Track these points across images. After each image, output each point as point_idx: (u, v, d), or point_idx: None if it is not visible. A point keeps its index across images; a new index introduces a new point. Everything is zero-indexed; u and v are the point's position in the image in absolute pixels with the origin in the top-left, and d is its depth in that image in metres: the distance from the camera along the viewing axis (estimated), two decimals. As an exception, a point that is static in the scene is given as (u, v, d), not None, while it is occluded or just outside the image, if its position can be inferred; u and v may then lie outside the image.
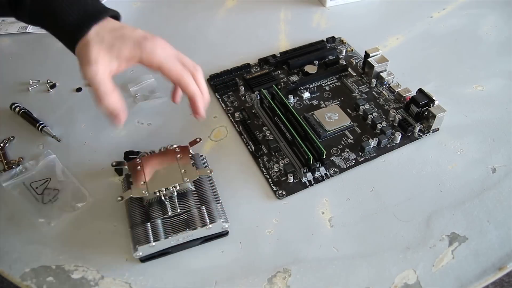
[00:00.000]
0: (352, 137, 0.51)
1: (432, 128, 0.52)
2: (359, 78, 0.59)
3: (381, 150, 0.50)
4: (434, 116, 0.50)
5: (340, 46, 0.64)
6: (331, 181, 0.48)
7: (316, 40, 0.64)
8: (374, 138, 0.50)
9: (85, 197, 0.46)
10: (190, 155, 0.44)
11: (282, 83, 0.59)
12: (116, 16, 0.42)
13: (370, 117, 0.53)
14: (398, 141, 0.50)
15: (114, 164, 0.44)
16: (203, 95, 0.44)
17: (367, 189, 0.47)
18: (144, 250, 0.39)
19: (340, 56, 0.63)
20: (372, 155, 0.49)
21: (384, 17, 0.72)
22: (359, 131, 0.52)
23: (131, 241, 0.40)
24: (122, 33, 0.40)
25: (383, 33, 0.68)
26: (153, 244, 0.39)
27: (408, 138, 0.51)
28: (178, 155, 0.43)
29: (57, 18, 0.38)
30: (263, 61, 0.62)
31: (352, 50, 0.64)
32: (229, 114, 0.55)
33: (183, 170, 0.42)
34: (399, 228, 0.43)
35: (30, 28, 0.70)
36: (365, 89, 0.58)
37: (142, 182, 0.41)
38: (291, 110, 0.50)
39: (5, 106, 0.57)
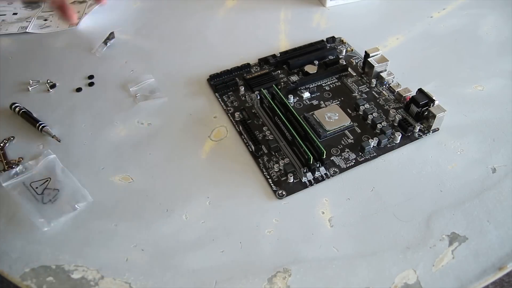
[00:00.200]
0: (352, 137, 0.51)
1: (432, 128, 0.52)
2: (359, 78, 0.59)
3: (381, 150, 0.50)
4: (434, 116, 0.50)
5: (340, 46, 0.64)
6: (331, 181, 0.48)
7: (316, 40, 0.64)
8: (374, 138, 0.50)
9: (85, 197, 0.46)
10: None
11: (282, 83, 0.59)
12: None
13: (370, 117, 0.53)
14: (398, 141, 0.50)
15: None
16: None
17: (367, 189, 0.47)
18: None
19: (340, 56, 0.63)
20: (372, 155, 0.49)
21: (384, 17, 0.72)
22: (359, 131, 0.52)
23: None
24: None
25: (383, 33, 0.68)
26: None
27: (408, 138, 0.51)
28: None
29: None
30: (263, 61, 0.62)
31: (352, 50, 0.64)
32: (229, 114, 0.55)
33: None
34: (399, 228, 0.43)
35: (30, 28, 0.70)
36: (365, 89, 0.58)
37: None
38: (291, 110, 0.50)
39: (5, 106, 0.57)
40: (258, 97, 0.55)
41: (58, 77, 0.62)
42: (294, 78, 0.59)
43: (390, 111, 0.53)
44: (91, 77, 0.62)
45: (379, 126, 0.52)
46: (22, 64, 0.65)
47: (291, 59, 0.60)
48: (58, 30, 0.70)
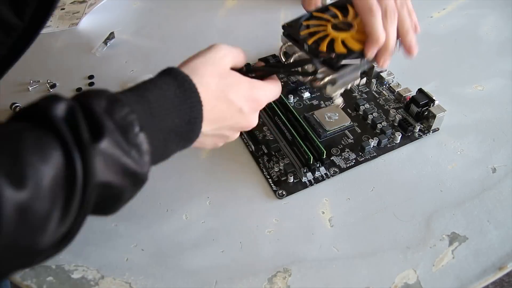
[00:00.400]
0: (352, 137, 0.51)
1: (432, 128, 0.52)
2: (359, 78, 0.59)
3: (381, 150, 0.50)
4: (434, 116, 0.50)
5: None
6: (331, 181, 0.48)
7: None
8: (374, 138, 0.50)
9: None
10: None
11: (282, 83, 0.59)
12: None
13: (370, 117, 0.53)
14: (398, 141, 0.50)
15: None
16: None
17: (367, 189, 0.47)
18: None
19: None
20: (372, 155, 0.49)
21: (384, 17, 0.72)
22: (359, 131, 0.52)
23: None
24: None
25: (383, 33, 0.68)
26: None
27: (408, 138, 0.51)
28: None
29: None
30: (263, 61, 0.62)
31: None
32: (229, 114, 0.55)
33: None
34: (399, 228, 0.43)
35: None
36: (365, 89, 0.58)
37: None
38: (291, 110, 0.50)
39: (5, 106, 0.56)
40: None
41: (58, 77, 0.62)
42: (294, 78, 0.59)
43: (390, 111, 0.53)
44: (91, 77, 0.62)
45: (379, 126, 0.52)
46: (22, 64, 0.65)
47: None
48: (58, 30, 0.70)
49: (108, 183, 0.29)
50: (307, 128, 0.48)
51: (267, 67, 0.43)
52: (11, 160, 0.25)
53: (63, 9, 0.73)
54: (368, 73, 0.59)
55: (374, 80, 0.58)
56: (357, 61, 0.41)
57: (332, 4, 0.46)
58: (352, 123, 0.52)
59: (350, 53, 0.40)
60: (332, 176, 0.48)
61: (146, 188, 0.47)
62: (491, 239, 0.42)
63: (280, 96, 0.51)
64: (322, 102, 0.56)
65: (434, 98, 0.51)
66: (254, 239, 0.43)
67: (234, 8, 0.75)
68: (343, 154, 0.49)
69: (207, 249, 0.42)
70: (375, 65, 0.56)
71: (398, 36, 0.41)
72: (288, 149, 0.49)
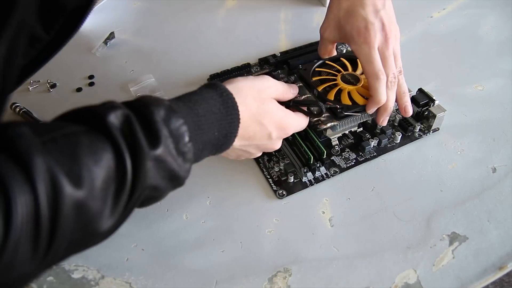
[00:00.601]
0: (352, 137, 0.51)
1: (432, 128, 0.52)
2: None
3: (381, 150, 0.50)
4: (434, 116, 0.50)
5: (341, 46, 0.64)
6: (331, 181, 0.48)
7: (316, 40, 0.64)
8: (375, 138, 0.50)
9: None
10: None
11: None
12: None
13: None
14: (399, 141, 0.50)
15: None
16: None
17: (367, 189, 0.47)
18: None
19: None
20: (372, 155, 0.49)
21: (384, 17, 0.72)
22: (360, 129, 0.52)
23: None
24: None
25: (383, 33, 0.68)
26: None
27: (408, 138, 0.51)
28: None
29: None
30: (263, 61, 0.62)
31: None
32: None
33: None
34: (399, 228, 0.43)
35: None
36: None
37: None
38: None
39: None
40: None
41: (58, 77, 0.62)
42: (294, 78, 0.59)
43: None
44: (91, 77, 0.62)
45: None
46: (22, 64, 0.65)
47: (291, 59, 0.60)
48: (58, 30, 0.70)
49: (155, 186, 0.32)
50: (307, 128, 0.48)
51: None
52: (70, 160, 0.27)
53: (63, 9, 0.73)
54: None
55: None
56: (358, 114, 0.46)
57: (344, 56, 0.53)
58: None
59: (353, 106, 0.46)
60: (332, 176, 0.48)
61: (146, 188, 0.47)
62: (491, 239, 0.42)
63: None
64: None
65: (434, 98, 0.51)
66: (254, 239, 0.43)
67: (234, 8, 0.75)
68: (343, 154, 0.49)
69: (207, 249, 0.42)
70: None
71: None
72: (288, 149, 0.49)
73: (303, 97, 0.49)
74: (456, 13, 0.72)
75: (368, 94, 0.46)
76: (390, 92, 0.45)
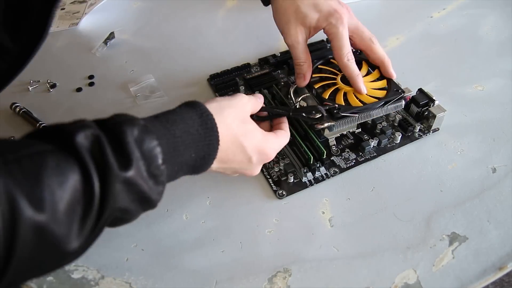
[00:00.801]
0: (352, 137, 0.51)
1: (432, 128, 0.52)
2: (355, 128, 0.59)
3: (381, 150, 0.50)
4: (434, 116, 0.50)
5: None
6: (331, 181, 0.48)
7: (316, 40, 0.64)
8: (374, 138, 0.50)
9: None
10: None
11: (282, 83, 0.59)
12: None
13: None
14: (398, 141, 0.50)
15: None
16: None
17: (367, 189, 0.47)
18: None
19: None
20: (372, 155, 0.49)
21: (384, 17, 0.72)
22: (359, 130, 0.52)
23: None
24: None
25: (383, 33, 0.68)
26: None
27: (408, 138, 0.51)
28: None
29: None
30: (263, 61, 0.62)
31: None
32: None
33: None
34: (399, 228, 0.43)
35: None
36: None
37: None
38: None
39: (5, 106, 0.56)
40: None
41: (58, 77, 0.62)
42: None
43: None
44: (91, 77, 0.62)
45: (379, 126, 0.52)
46: (22, 64, 0.65)
47: (291, 59, 0.60)
48: (58, 30, 0.70)
49: (125, 209, 0.31)
50: (307, 128, 0.48)
51: (278, 110, 0.47)
52: (33, 182, 0.26)
53: (63, 9, 0.73)
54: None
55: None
56: (355, 115, 0.46)
57: None
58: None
59: (351, 107, 0.46)
60: (332, 176, 0.48)
61: (146, 188, 0.47)
62: (491, 239, 0.42)
63: (280, 96, 0.51)
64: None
65: (434, 98, 0.51)
66: (254, 239, 0.43)
67: (234, 8, 0.75)
68: (343, 154, 0.49)
69: (207, 249, 0.42)
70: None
71: None
72: (288, 149, 0.49)
73: (301, 97, 0.49)
74: (456, 13, 0.72)
75: (365, 97, 0.47)
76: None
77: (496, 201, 0.45)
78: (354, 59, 0.47)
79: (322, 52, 0.62)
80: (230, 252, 0.42)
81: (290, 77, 0.59)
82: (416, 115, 0.52)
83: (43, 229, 0.26)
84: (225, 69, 0.60)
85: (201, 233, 0.43)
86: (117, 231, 0.44)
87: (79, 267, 0.41)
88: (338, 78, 0.49)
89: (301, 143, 0.47)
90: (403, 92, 0.48)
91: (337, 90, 0.48)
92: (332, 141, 0.50)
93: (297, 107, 0.48)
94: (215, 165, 0.38)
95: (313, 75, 0.50)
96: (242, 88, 0.58)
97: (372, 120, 0.52)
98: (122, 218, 0.33)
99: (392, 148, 0.50)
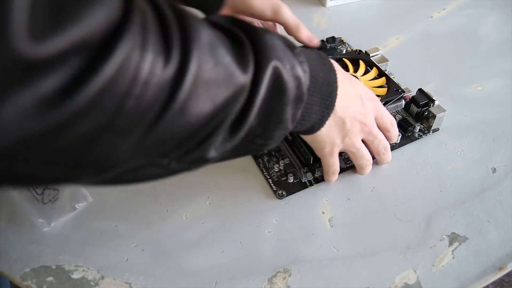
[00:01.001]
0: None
1: (432, 128, 0.52)
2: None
3: (381, 150, 0.50)
4: (434, 116, 0.50)
5: (340, 46, 0.64)
6: (331, 181, 0.48)
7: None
8: None
9: (85, 197, 0.46)
10: None
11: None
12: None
13: None
14: (398, 141, 0.50)
15: None
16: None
17: (367, 189, 0.47)
18: None
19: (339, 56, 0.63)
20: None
21: (384, 17, 0.72)
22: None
23: None
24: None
25: (383, 33, 0.68)
26: None
27: (408, 138, 0.51)
28: None
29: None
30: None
31: (352, 50, 0.64)
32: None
33: None
34: (399, 228, 0.43)
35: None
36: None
37: None
38: None
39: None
40: None
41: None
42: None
43: (390, 111, 0.53)
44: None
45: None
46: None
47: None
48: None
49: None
50: None
51: None
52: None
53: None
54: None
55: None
56: None
57: (346, 56, 0.52)
58: None
59: None
60: (332, 176, 0.48)
61: (146, 188, 0.47)
62: (491, 239, 0.42)
63: None
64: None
65: (434, 98, 0.51)
66: (254, 239, 0.43)
67: (234, 8, 0.75)
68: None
69: (207, 249, 0.42)
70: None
71: None
72: (288, 149, 0.49)
73: None
74: (456, 13, 0.72)
75: None
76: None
77: (496, 201, 0.45)
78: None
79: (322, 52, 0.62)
80: (230, 252, 0.42)
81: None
82: (416, 115, 0.52)
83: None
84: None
85: (201, 233, 0.43)
86: (117, 231, 0.44)
87: (79, 268, 0.41)
88: None
89: (301, 143, 0.47)
90: (403, 92, 0.48)
91: None
92: None
93: None
94: (338, 103, 0.38)
95: None
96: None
97: (372, 120, 0.52)
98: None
99: (392, 148, 0.50)
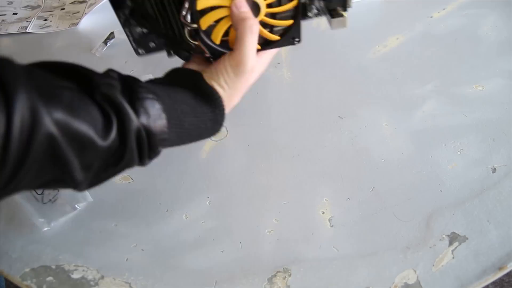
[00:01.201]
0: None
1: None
2: None
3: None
4: None
5: None
6: (331, 181, 0.48)
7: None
8: None
9: (85, 197, 0.46)
10: None
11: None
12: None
13: None
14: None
15: None
16: None
17: (367, 189, 0.47)
18: None
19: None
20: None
21: (384, 17, 0.72)
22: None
23: None
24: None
25: (383, 33, 0.68)
26: None
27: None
28: None
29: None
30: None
31: None
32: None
33: None
34: (399, 228, 0.43)
35: (30, 28, 0.70)
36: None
37: None
38: None
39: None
40: None
41: (58, 77, 0.61)
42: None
43: None
44: (91, 77, 0.61)
45: None
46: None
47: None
48: (58, 30, 0.70)
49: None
50: None
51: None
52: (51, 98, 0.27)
53: (63, 9, 0.73)
54: None
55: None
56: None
57: None
58: None
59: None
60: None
61: (146, 188, 0.47)
62: (491, 239, 0.42)
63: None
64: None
65: None
66: (254, 239, 0.43)
67: (234, 8, 0.75)
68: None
69: (207, 249, 0.42)
70: None
71: None
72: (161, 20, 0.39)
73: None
74: (456, 13, 0.72)
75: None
76: None
77: (496, 201, 0.45)
78: None
79: None
80: (230, 252, 0.42)
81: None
82: None
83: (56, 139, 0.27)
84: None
85: (201, 233, 0.43)
86: (117, 231, 0.44)
87: (79, 267, 0.41)
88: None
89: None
90: (298, 42, 0.41)
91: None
92: None
93: None
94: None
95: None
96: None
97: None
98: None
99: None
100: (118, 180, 0.48)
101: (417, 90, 0.57)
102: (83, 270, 0.41)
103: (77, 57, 0.65)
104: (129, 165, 0.32)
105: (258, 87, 0.58)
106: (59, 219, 0.45)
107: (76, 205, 0.45)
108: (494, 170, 0.48)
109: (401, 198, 0.46)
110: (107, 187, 0.47)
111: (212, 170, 0.49)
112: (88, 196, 0.46)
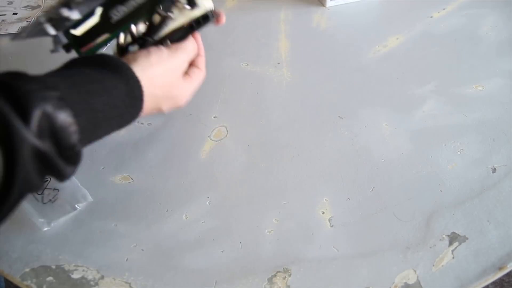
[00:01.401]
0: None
1: None
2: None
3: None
4: None
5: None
6: (331, 181, 0.48)
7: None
8: None
9: (85, 197, 0.46)
10: None
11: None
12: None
13: None
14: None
15: None
16: None
17: (367, 189, 0.47)
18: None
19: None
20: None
21: (384, 17, 0.72)
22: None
23: None
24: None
25: (383, 33, 0.68)
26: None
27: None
28: None
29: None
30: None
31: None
32: (229, 114, 0.55)
33: None
34: (399, 228, 0.43)
35: (30, 28, 0.70)
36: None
37: None
38: None
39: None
40: None
41: (58, 77, 0.61)
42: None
43: None
44: (91, 77, 0.61)
45: None
46: (22, 64, 0.65)
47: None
48: (58, 30, 0.70)
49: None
50: None
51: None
52: None
53: (63, 9, 0.73)
54: None
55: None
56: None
57: None
58: None
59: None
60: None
61: (146, 188, 0.47)
62: (491, 239, 0.42)
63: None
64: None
65: None
66: (254, 239, 0.43)
67: (234, 8, 0.75)
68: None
69: (207, 249, 0.42)
70: None
71: None
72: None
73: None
74: (456, 13, 0.72)
75: None
76: None
77: (496, 201, 0.45)
78: None
79: None
80: (230, 252, 0.42)
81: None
82: None
83: None
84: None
85: (201, 233, 0.43)
86: (117, 231, 0.44)
87: (79, 267, 0.41)
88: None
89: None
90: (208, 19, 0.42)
91: None
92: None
93: None
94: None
95: None
96: (242, 88, 0.57)
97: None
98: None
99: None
100: (118, 180, 0.48)
101: (417, 90, 0.57)
102: (83, 270, 0.41)
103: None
104: (25, 193, 0.28)
105: (258, 87, 0.58)
106: (59, 219, 0.45)
107: (76, 205, 0.45)
108: (494, 170, 0.48)
109: (401, 198, 0.46)
110: (107, 187, 0.47)
111: (212, 170, 0.49)
112: (88, 196, 0.46)
